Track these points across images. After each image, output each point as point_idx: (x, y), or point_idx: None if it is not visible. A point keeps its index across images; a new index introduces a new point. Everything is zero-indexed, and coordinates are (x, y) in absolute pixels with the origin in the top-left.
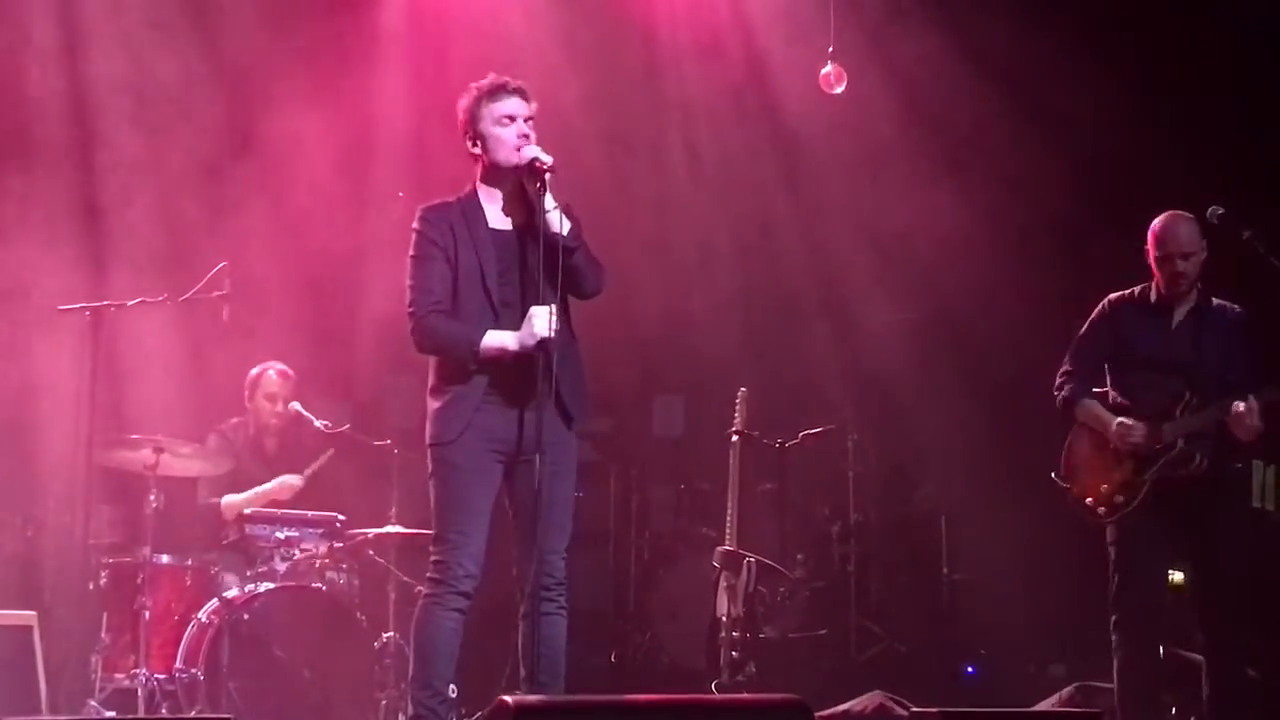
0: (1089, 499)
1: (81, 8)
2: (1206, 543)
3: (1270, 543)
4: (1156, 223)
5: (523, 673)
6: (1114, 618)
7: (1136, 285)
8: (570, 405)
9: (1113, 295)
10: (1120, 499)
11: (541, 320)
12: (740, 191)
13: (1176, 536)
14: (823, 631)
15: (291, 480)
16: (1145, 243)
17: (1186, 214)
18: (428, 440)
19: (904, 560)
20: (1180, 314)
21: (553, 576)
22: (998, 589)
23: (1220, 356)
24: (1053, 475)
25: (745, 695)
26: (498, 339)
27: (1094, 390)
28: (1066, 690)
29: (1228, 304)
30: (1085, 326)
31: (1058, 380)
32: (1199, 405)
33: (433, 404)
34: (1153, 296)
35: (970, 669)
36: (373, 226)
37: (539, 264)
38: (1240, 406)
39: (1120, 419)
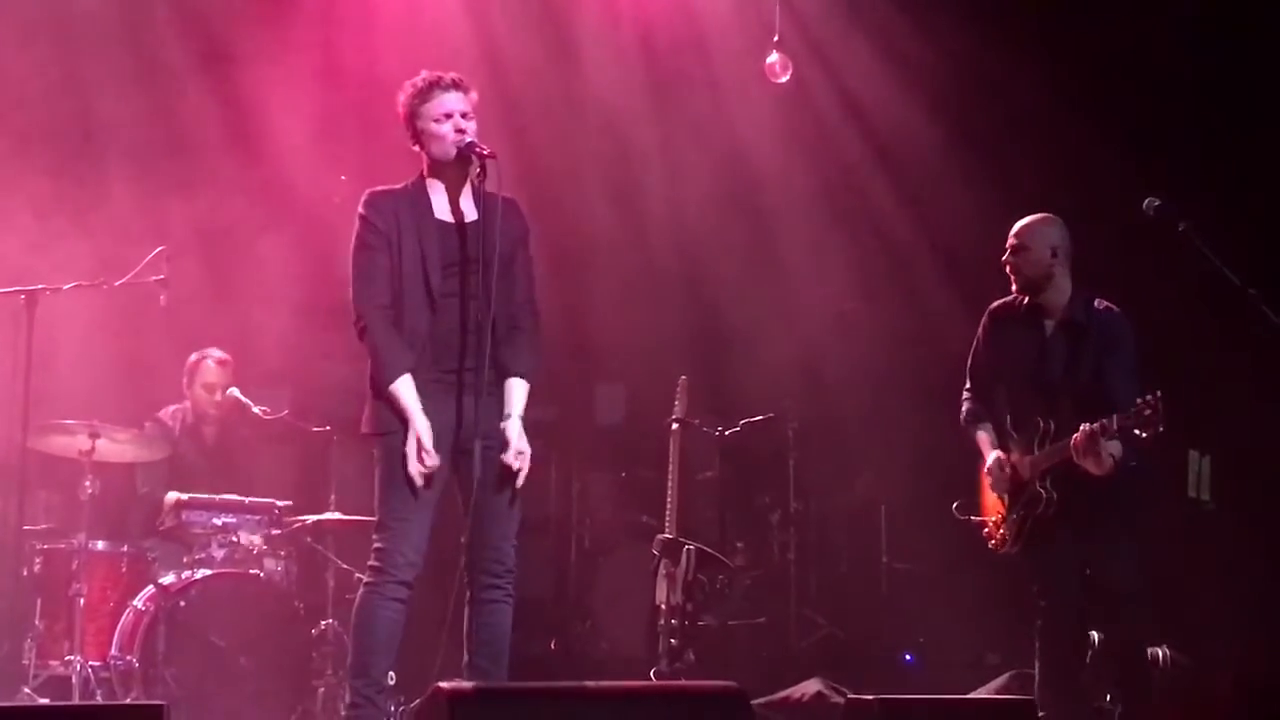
0: (985, 530)
1: None
2: (1094, 560)
3: (1205, 533)
4: None
5: (465, 658)
6: (1038, 623)
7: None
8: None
9: (994, 304)
10: (1003, 534)
11: (413, 462)
12: (681, 179)
13: (1067, 555)
14: (762, 619)
15: (240, 497)
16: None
17: (1049, 215)
18: (369, 429)
19: (843, 549)
20: (1050, 326)
21: (502, 564)
22: (936, 578)
23: (1091, 373)
24: (953, 508)
25: (684, 683)
26: (406, 405)
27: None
28: (1002, 678)
29: (1110, 308)
30: (974, 340)
31: (962, 397)
32: (1057, 435)
33: (372, 393)
34: (1023, 304)
35: (908, 657)
36: (314, 210)
37: (481, 255)
38: (1078, 438)
39: (993, 456)
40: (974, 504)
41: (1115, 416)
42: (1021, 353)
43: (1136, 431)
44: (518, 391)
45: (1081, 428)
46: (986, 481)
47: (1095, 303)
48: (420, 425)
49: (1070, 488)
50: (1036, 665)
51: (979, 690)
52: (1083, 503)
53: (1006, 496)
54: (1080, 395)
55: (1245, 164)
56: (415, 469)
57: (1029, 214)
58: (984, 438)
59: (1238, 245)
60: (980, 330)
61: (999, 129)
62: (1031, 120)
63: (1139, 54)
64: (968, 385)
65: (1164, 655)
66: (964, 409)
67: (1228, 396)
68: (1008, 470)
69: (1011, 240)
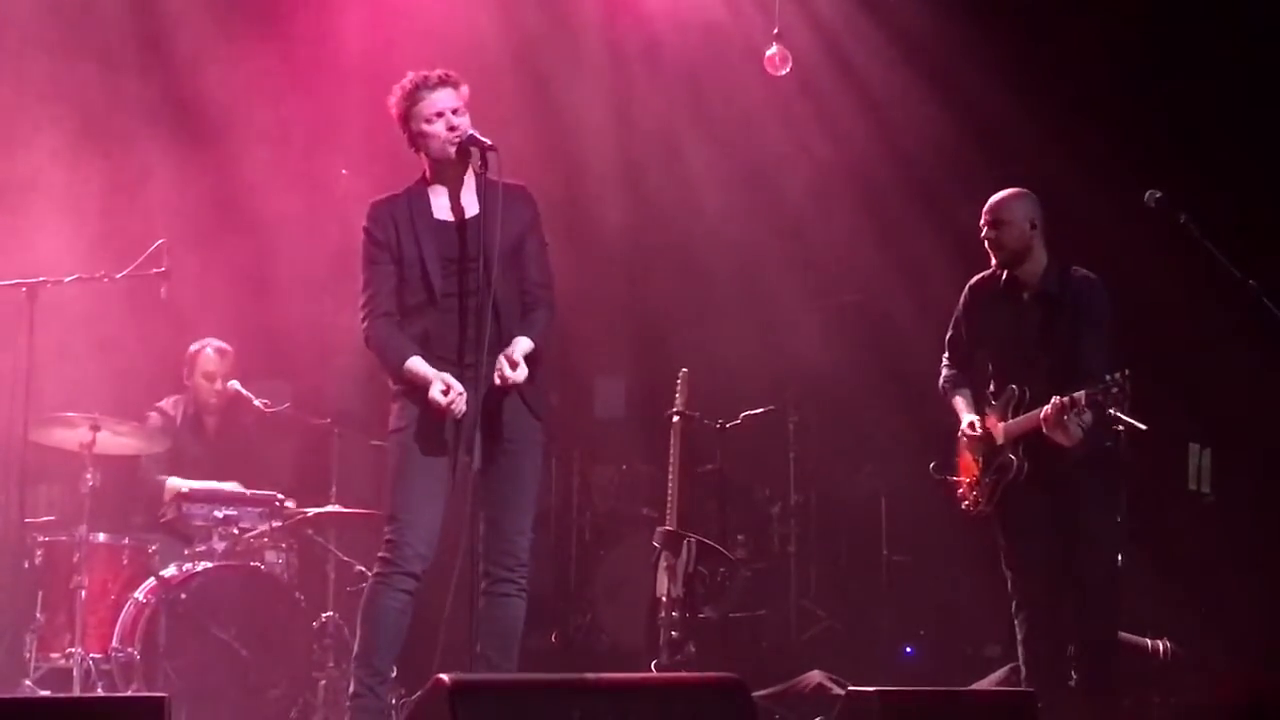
0: (959, 491)
1: None
2: (1065, 535)
3: (1205, 526)
4: None
5: (476, 649)
6: (1013, 605)
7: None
8: (530, 399)
9: (974, 278)
10: (975, 495)
11: (439, 395)
12: (682, 175)
13: (1041, 522)
14: (762, 612)
15: (241, 490)
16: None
17: (1023, 190)
18: (390, 426)
19: (844, 541)
20: (1027, 296)
21: (516, 557)
22: (936, 571)
23: (1066, 341)
24: (930, 467)
25: (684, 675)
26: (423, 372)
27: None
28: (1002, 670)
29: (1085, 276)
30: (954, 312)
31: (941, 368)
32: (1030, 403)
33: (394, 389)
34: (1002, 276)
35: (908, 649)
36: (315, 203)
37: (480, 254)
38: (1047, 411)
39: (967, 419)
40: (951, 466)
41: (1084, 392)
42: (1000, 323)
43: (1110, 410)
44: (521, 343)
45: (1052, 400)
46: (962, 443)
47: (1071, 270)
48: (441, 376)
49: (1042, 456)
50: (1020, 650)
51: (979, 683)
52: (1053, 471)
53: (981, 459)
54: (1056, 364)
55: (1248, 154)
56: (460, 407)
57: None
58: (960, 402)
59: (1238, 237)
60: (960, 304)
61: (1006, 121)
62: (1037, 113)
63: (1144, 45)
64: (945, 355)
65: (1164, 648)
66: (942, 377)
67: (1228, 389)
68: (980, 433)
69: (989, 216)
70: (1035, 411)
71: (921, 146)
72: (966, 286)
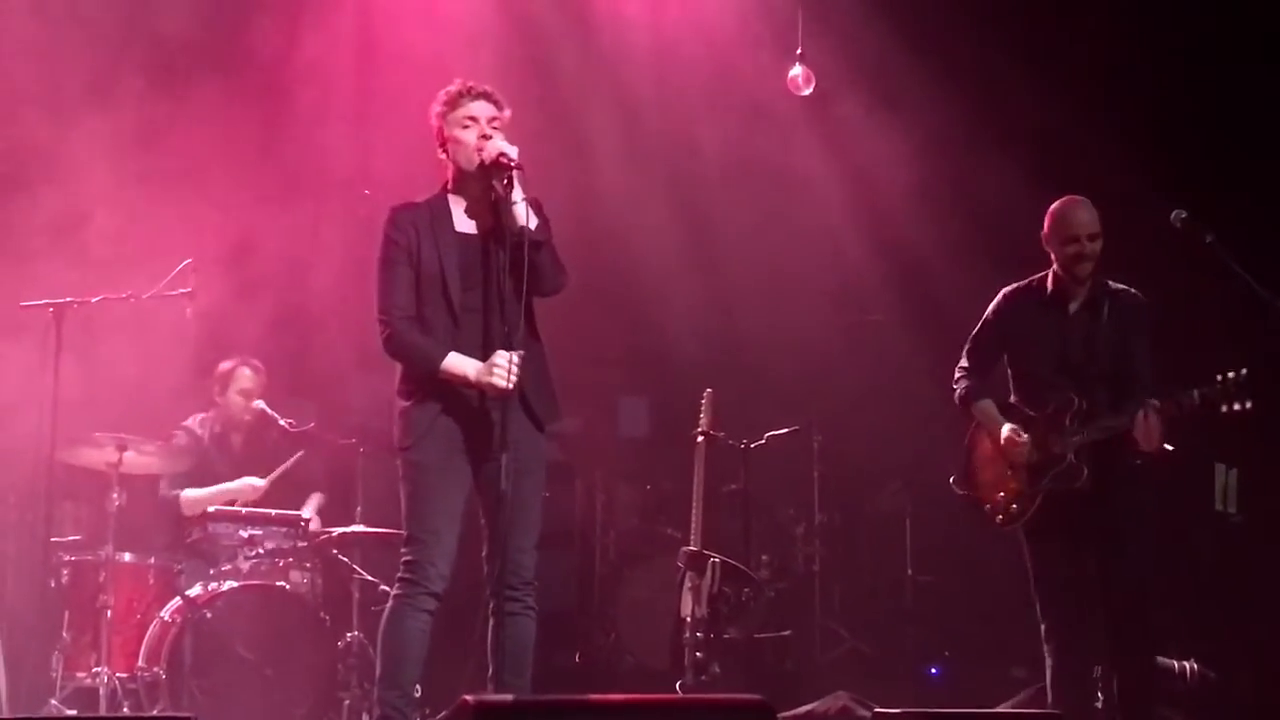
0: (987, 505)
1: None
2: (1105, 549)
3: (1232, 547)
4: (1056, 206)
5: (490, 670)
6: (1042, 628)
7: (1035, 275)
8: (536, 407)
9: (1008, 287)
10: (1015, 508)
11: (501, 374)
12: (705, 193)
13: (1081, 535)
14: (787, 632)
15: (255, 482)
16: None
17: (1083, 198)
18: (396, 443)
19: (868, 561)
20: (1074, 307)
21: (520, 576)
22: (961, 591)
23: (1116, 354)
24: (950, 481)
25: (709, 695)
26: (459, 366)
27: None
28: (1028, 692)
29: (1127, 290)
30: (981, 320)
31: (955, 375)
32: (1089, 413)
33: (400, 405)
34: (1049, 287)
35: (934, 670)
36: (339, 223)
37: (504, 267)
38: (1143, 415)
39: (1009, 427)
40: (968, 477)
41: (1196, 391)
42: (1043, 333)
43: (1222, 407)
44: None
45: (1148, 403)
46: (985, 454)
47: (1108, 282)
48: (479, 363)
49: (1101, 467)
50: (1048, 671)
51: (1005, 704)
52: (1104, 483)
53: (1024, 470)
54: (1105, 374)
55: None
56: (510, 381)
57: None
58: (989, 410)
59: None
60: (991, 312)
61: (1025, 137)
62: (1057, 131)
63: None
64: (965, 363)
65: (1190, 669)
66: (961, 385)
67: (1254, 410)
68: (1025, 440)
69: (1094, 229)
70: (1108, 418)
71: (946, 163)
72: (1000, 295)
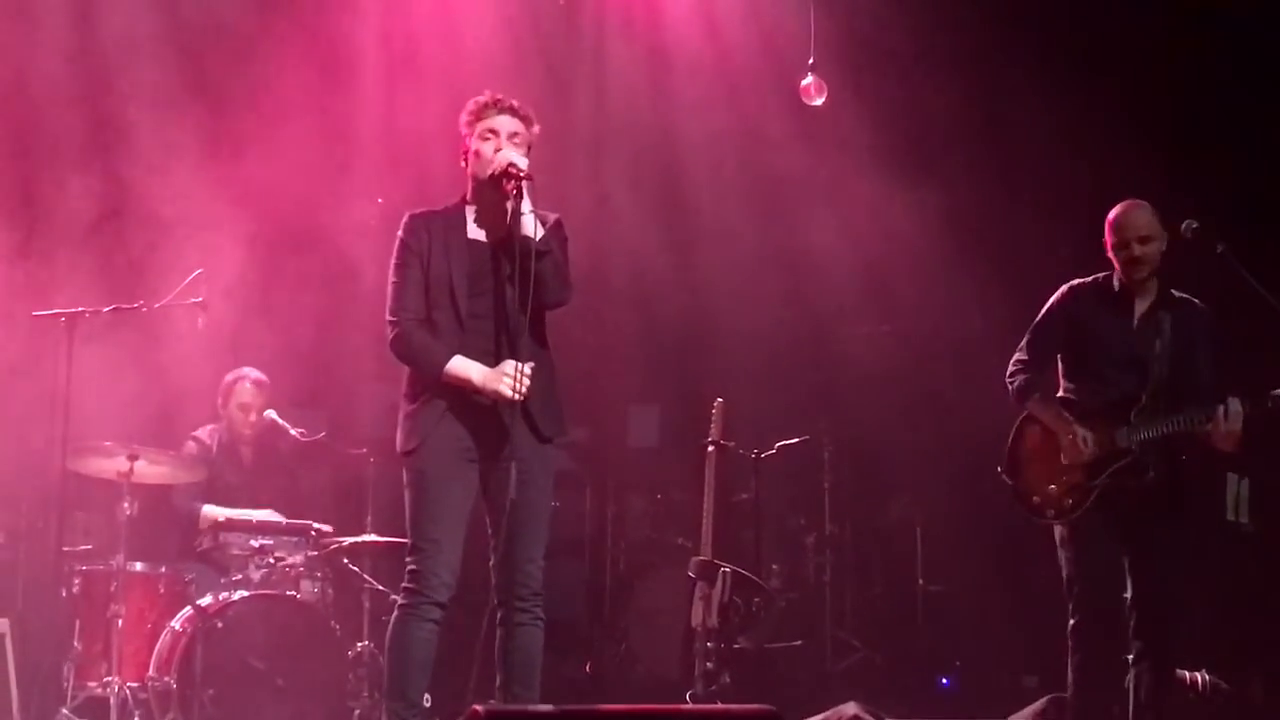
0: (1035, 498)
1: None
2: (1146, 552)
3: (1244, 556)
4: (1113, 211)
5: (498, 681)
6: (1072, 622)
7: (1100, 273)
8: (539, 420)
9: (1075, 281)
10: (1069, 502)
11: (509, 383)
12: (717, 203)
13: (1122, 535)
14: (798, 642)
15: (276, 518)
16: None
17: (1142, 201)
18: (399, 448)
19: (879, 571)
20: (1141, 307)
21: (528, 586)
22: (972, 600)
23: (1180, 355)
24: (998, 469)
25: (719, 706)
26: (464, 370)
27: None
28: (1040, 702)
29: (1192, 299)
30: (1042, 312)
31: (1011, 368)
32: (1154, 410)
33: (403, 410)
34: (1115, 285)
35: (945, 680)
36: (351, 233)
37: (511, 276)
38: (1224, 413)
39: (1076, 429)
40: (1016, 468)
41: (1275, 394)
42: (1111, 332)
43: None
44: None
45: (1230, 401)
46: (1035, 445)
47: (1174, 291)
48: (486, 368)
49: (1165, 464)
50: (1070, 670)
51: (1016, 715)
52: (1170, 483)
53: (1087, 463)
54: (1167, 376)
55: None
56: (525, 383)
57: (1073, 233)
58: (1055, 406)
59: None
60: (1057, 305)
61: (1039, 146)
62: (1073, 139)
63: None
64: (1024, 356)
65: (1202, 679)
66: (1020, 379)
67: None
68: (1092, 449)
69: (1144, 232)
70: (1163, 418)
71: (956, 170)
72: (1066, 287)
